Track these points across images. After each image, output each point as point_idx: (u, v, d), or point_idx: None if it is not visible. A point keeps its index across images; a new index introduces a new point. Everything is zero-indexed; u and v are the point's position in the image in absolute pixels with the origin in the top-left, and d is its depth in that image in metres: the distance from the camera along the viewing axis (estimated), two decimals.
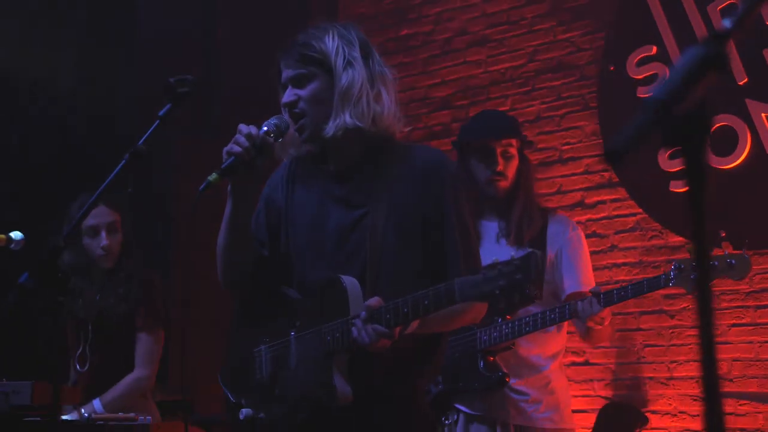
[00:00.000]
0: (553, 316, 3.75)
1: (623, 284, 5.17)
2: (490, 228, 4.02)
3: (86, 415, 3.72)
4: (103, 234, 4.40)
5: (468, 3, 6.23)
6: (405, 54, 6.43)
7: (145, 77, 6.05)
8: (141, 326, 4.43)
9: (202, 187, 2.68)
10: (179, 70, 2.78)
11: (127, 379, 4.35)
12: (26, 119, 5.89)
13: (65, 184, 4.94)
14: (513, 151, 4.00)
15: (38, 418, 3.66)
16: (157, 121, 2.65)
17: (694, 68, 1.24)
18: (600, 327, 3.76)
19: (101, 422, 3.65)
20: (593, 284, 3.93)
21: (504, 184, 3.97)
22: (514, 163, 3.99)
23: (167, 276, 5.96)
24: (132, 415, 3.77)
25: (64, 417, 3.81)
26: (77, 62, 6.03)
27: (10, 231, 4.14)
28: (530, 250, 2.43)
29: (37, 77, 5.78)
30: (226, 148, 2.76)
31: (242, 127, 2.79)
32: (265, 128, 2.81)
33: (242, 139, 2.75)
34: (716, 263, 3.55)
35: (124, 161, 2.59)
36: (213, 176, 2.70)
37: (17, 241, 4.10)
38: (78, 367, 4.38)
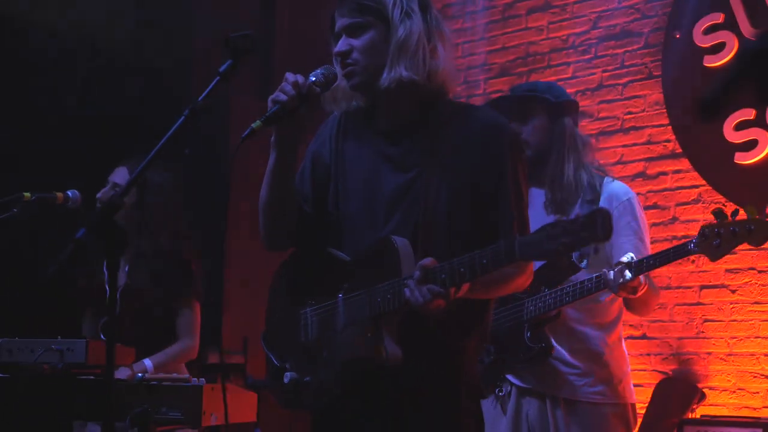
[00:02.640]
0: (590, 285, 3.66)
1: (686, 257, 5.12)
2: (536, 195, 3.94)
3: (140, 375, 3.70)
4: (106, 189, 4.33)
5: None
6: (465, 19, 6.34)
7: (201, 32, 6.01)
8: (177, 300, 4.40)
9: (245, 134, 2.61)
10: (235, 27, 2.71)
11: (175, 347, 4.34)
12: (82, 75, 5.88)
13: (122, 140, 4.93)
14: (533, 114, 3.90)
15: (92, 377, 3.65)
16: (217, 77, 2.58)
17: None
18: (634, 297, 3.67)
19: (155, 382, 3.63)
20: (647, 253, 3.83)
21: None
22: (539, 129, 3.89)
23: (223, 238, 5.94)
24: (186, 376, 3.75)
25: (116, 375, 3.80)
26: (133, 17, 6.01)
27: (67, 189, 4.13)
28: (596, 207, 2.34)
29: (93, 33, 5.76)
30: (271, 97, 2.69)
31: (289, 75, 2.72)
32: (313, 78, 2.74)
33: (288, 88, 2.69)
34: (736, 229, 3.45)
35: (183, 117, 2.53)
36: (256, 123, 2.63)
37: (74, 200, 4.09)
38: (102, 335, 4.35)
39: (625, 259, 3.59)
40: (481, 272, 2.51)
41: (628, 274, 3.53)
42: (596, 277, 3.64)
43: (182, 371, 4.30)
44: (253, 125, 2.61)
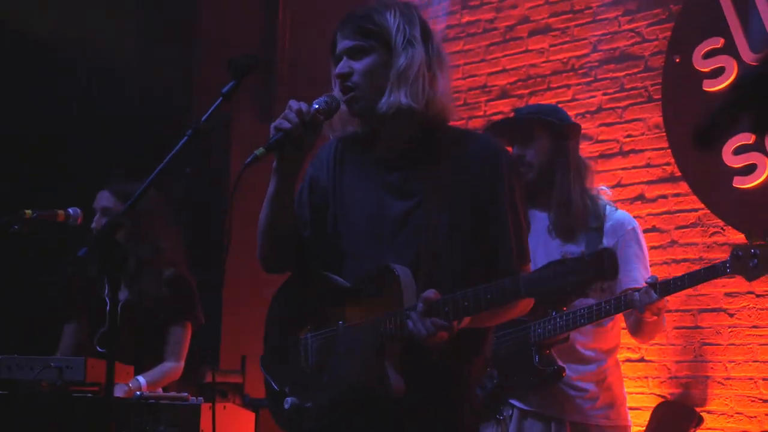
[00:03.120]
0: (608, 307, 3.66)
1: None
2: (539, 218, 3.95)
3: (138, 393, 3.71)
4: (96, 216, 4.37)
5: None
6: (466, 41, 6.37)
7: (205, 55, 6.04)
8: (170, 319, 4.43)
9: (248, 160, 2.62)
10: (239, 50, 2.73)
11: (164, 367, 4.37)
12: (84, 91, 5.89)
13: (124, 160, 4.94)
14: (538, 134, 3.91)
15: (90, 395, 3.66)
16: (220, 98, 2.60)
17: None
18: (655, 318, 3.67)
19: (153, 401, 3.63)
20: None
21: (530, 174, 3.88)
22: (541, 151, 3.90)
23: (222, 257, 5.93)
24: (184, 394, 3.76)
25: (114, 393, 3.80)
26: (136, 36, 6.03)
27: (68, 207, 4.13)
28: (602, 246, 2.35)
29: (96, 49, 5.77)
30: (274, 124, 2.70)
31: (293, 103, 2.73)
32: (316, 106, 2.75)
33: (292, 115, 2.69)
34: (758, 251, 3.45)
35: (185, 138, 2.55)
36: (260, 150, 2.64)
37: (74, 217, 4.10)
38: (98, 348, 4.36)
39: (648, 280, 3.61)
40: (485, 307, 2.53)
41: (654, 294, 3.54)
42: (615, 299, 3.65)
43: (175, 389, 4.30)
44: (256, 152, 2.62)
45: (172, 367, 4.42)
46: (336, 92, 2.82)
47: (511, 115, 4.36)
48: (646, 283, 3.59)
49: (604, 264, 2.31)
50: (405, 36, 2.75)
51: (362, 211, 2.83)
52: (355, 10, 2.82)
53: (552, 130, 3.93)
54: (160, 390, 4.10)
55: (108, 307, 4.32)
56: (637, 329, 3.83)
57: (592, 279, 2.33)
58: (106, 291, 4.37)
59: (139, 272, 4.39)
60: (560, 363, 3.73)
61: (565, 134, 3.95)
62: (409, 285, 2.65)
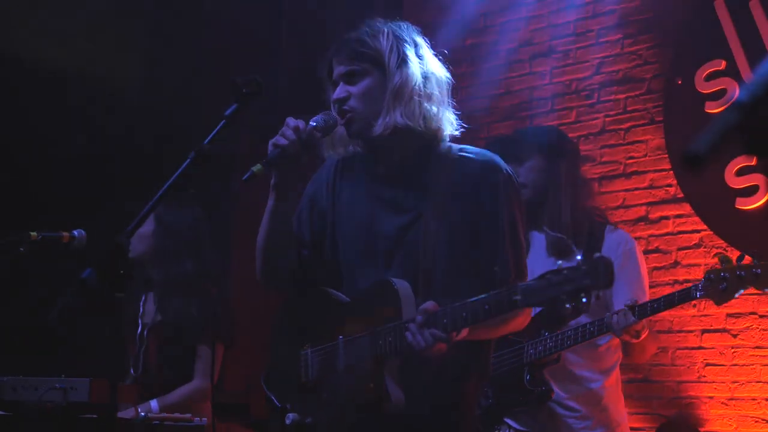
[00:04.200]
0: (592, 329, 3.69)
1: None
2: (537, 239, 3.97)
3: (143, 414, 3.72)
4: (134, 243, 4.38)
5: (534, 14, 6.18)
6: (469, 64, 6.40)
7: (209, 78, 6.07)
8: (202, 340, 4.43)
9: (245, 176, 2.65)
10: (243, 71, 2.76)
11: (187, 388, 4.37)
12: (90, 118, 5.93)
13: (129, 182, 4.97)
14: (532, 158, 3.94)
15: (94, 416, 3.67)
16: (223, 121, 2.64)
17: None
18: (636, 341, 3.69)
19: (157, 422, 3.64)
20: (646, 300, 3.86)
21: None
22: (536, 171, 3.93)
23: (226, 276, 5.97)
24: (188, 416, 3.77)
25: (120, 415, 3.82)
26: (143, 62, 6.07)
27: (74, 229, 4.16)
28: (597, 254, 2.36)
29: (103, 76, 5.82)
30: (272, 140, 2.74)
31: (290, 120, 2.77)
32: (313, 123, 2.79)
33: (289, 132, 2.73)
34: (743, 273, 3.47)
35: (188, 160, 2.58)
36: (257, 167, 2.68)
37: (80, 239, 4.12)
38: (132, 370, 4.39)
39: (628, 303, 3.62)
40: (483, 318, 2.55)
41: (631, 317, 3.56)
42: (598, 320, 3.67)
43: (202, 412, 4.27)
44: (253, 168, 2.66)
45: (195, 388, 4.41)
46: (335, 114, 2.85)
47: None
48: (625, 305, 3.61)
49: (599, 272, 2.33)
50: (398, 56, 2.79)
51: (360, 228, 2.86)
52: (349, 34, 2.86)
53: (544, 150, 3.96)
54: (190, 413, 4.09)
55: (139, 328, 4.34)
56: (626, 350, 3.85)
57: (587, 287, 2.34)
58: (140, 312, 4.41)
59: (169, 291, 4.41)
60: (550, 384, 3.75)
61: (558, 153, 3.98)
62: (408, 298, 2.67)
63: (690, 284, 3.70)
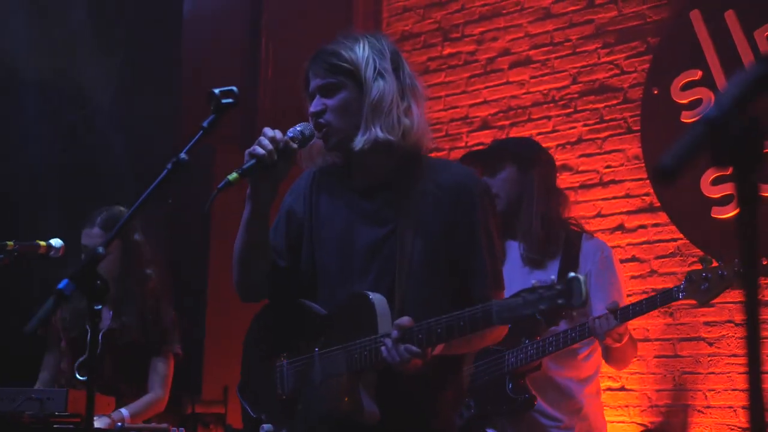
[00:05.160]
0: (574, 334, 3.71)
1: (660, 309, 5.15)
2: (513, 247, 3.99)
3: (119, 425, 3.71)
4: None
5: (512, 23, 6.22)
6: (447, 73, 6.42)
7: (187, 89, 6.07)
8: (153, 350, 4.48)
9: (220, 185, 2.65)
10: (221, 83, 2.76)
11: (148, 398, 4.41)
12: (69, 127, 5.92)
13: (109, 192, 4.97)
14: (504, 168, 3.97)
15: (71, 426, 3.66)
16: (201, 132, 2.63)
17: (749, 87, 1.21)
18: (619, 345, 3.71)
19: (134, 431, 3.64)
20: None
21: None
22: (509, 182, 3.96)
23: (204, 286, 5.96)
24: (165, 425, 3.77)
25: (96, 425, 3.81)
26: (120, 73, 6.06)
27: (51, 239, 4.15)
28: (572, 274, 2.39)
29: (80, 85, 5.81)
30: (248, 150, 2.74)
31: (267, 130, 2.77)
32: (290, 134, 2.79)
33: (266, 142, 2.73)
34: (724, 272, 3.50)
35: (165, 171, 2.57)
36: (232, 175, 2.68)
37: (57, 249, 4.11)
38: (78, 375, 4.38)
39: (609, 306, 3.64)
40: (458, 334, 2.56)
41: (613, 320, 3.58)
42: (580, 325, 3.68)
43: (164, 422, 4.31)
44: (229, 177, 2.66)
45: (156, 398, 4.46)
46: (312, 126, 2.86)
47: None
48: (607, 309, 3.63)
49: (573, 292, 2.35)
50: (375, 69, 2.79)
51: (337, 240, 2.86)
52: (325, 47, 2.86)
53: (517, 161, 3.99)
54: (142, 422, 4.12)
55: (89, 337, 4.36)
56: (607, 357, 3.87)
57: (561, 306, 2.36)
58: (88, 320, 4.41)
59: (123, 302, 4.43)
60: (532, 392, 3.77)
61: (530, 164, 4.01)
62: (384, 312, 2.68)
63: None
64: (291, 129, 2.80)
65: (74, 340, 4.45)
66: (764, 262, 3.67)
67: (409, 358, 2.56)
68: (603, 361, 4.02)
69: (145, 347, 4.46)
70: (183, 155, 2.52)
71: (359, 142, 2.77)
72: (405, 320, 2.60)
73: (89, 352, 2.45)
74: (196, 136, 2.61)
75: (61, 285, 2.34)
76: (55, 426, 3.68)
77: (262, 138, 2.74)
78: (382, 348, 2.60)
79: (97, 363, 4.38)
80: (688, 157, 1.16)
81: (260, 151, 2.72)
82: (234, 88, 2.65)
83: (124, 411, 4.19)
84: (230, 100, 2.64)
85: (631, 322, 3.69)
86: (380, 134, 2.76)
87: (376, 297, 2.70)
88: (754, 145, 1.25)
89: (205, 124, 2.63)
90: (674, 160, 1.15)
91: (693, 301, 3.69)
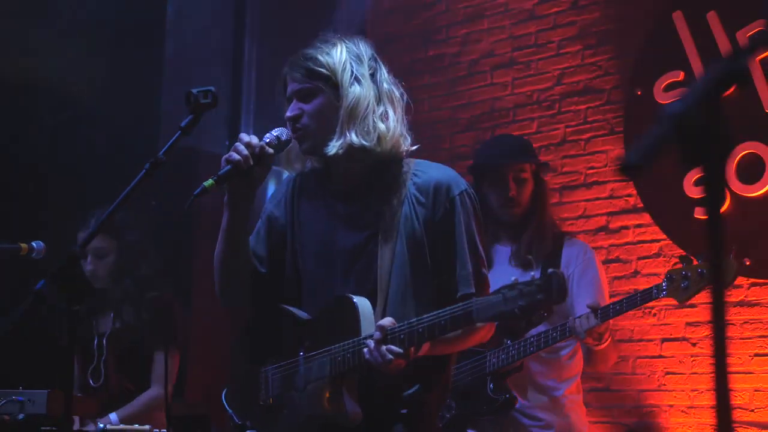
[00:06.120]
0: (555, 334, 3.71)
1: (644, 309, 5.16)
2: (503, 252, 3.99)
3: (101, 425, 3.70)
4: (89, 258, 4.43)
5: (495, 25, 6.22)
6: (431, 75, 6.43)
7: (170, 93, 6.06)
8: (156, 347, 4.47)
9: (196, 191, 2.65)
10: (205, 81, 2.76)
11: (144, 397, 4.40)
12: (52, 128, 5.90)
13: (89, 193, 4.96)
14: (526, 175, 3.96)
15: (54, 428, 3.65)
16: (179, 132, 2.64)
17: (716, 82, 1.22)
18: (600, 347, 3.71)
19: None
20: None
21: (517, 210, 3.93)
22: (528, 188, 3.96)
23: (190, 289, 5.95)
24: (147, 427, 3.76)
25: (80, 428, 3.80)
26: (105, 74, 6.05)
27: (32, 240, 4.14)
28: (551, 270, 2.39)
29: (65, 87, 5.79)
30: (225, 156, 2.75)
31: (243, 135, 2.77)
32: (267, 139, 2.79)
33: (241, 148, 2.74)
34: (704, 270, 3.50)
35: (143, 171, 2.58)
36: (209, 182, 2.68)
37: (38, 250, 4.10)
38: (92, 381, 4.39)
39: (590, 304, 3.64)
40: (439, 333, 2.55)
41: (593, 319, 3.58)
42: (561, 326, 3.69)
43: (157, 420, 4.28)
44: (205, 183, 2.66)
45: (156, 395, 4.43)
46: (289, 131, 2.86)
47: (477, 147, 4.40)
48: (588, 307, 3.64)
49: (552, 287, 2.35)
50: (352, 74, 2.78)
51: (319, 245, 2.86)
52: (303, 51, 2.86)
53: (534, 168, 4.01)
54: (149, 423, 4.09)
55: (95, 341, 4.36)
56: (588, 359, 3.88)
57: (540, 302, 2.37)
58: (93, 323, 4.42)
59: (123, 304, 4.43)
60: (513, 392, 3.77)
61: (541, 171, 4.04)
62: (367, 314, 2.68)
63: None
64: (267, 134, 2.81)
65: (81, 348, 4.45)
66: (747, 263, 3.69)
67: (391, 359, 2.56)
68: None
69: (145, 345, 4.45)
70: (161, 155, 2.52)
71: (333, 147, 2.77)
72: (387, 321, 2.60)
73: (65, 355, 2.46)
74: (174, 137, 2.61)
75: (38, 286, 2.34)
76: (37, 429, 3.66)
77: (237, 144, 2.75)
78: (365, 350, 2.60)
79: (104, 368, 4.38)
80: (653, 152, 1.16)
81: (236, 156, 2.72)
82: (212, 88, 2.66)
83: (112, 416, 4.19)
84: (208, 100, 2.64)
85: (614, 322, 3.70)
86: (355, 139, 2.75)
87: (359, 300, 2.70)
88: (721, 143, 1.25)
89: (182, 124, 2.63)
90: (638, 154, 1.16)
91: (674, 301, 3.70)
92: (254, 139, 2.76)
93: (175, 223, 5.78)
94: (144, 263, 4.56)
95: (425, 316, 2.55)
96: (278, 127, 2.88)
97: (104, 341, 4.40)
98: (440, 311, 2.54)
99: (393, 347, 2.56)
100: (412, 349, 2.59)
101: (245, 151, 2.72)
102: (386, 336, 2.57)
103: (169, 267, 4.92)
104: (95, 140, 5.86)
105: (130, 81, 6.03)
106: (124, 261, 4.49)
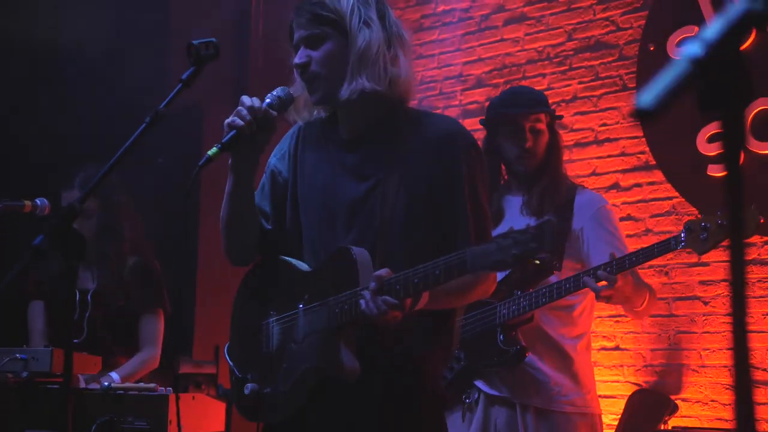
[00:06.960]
0: (568, 285, 3.64)
1: (656, 268, 5.11)
2: (515, 202, 3.93)
3: (105, 384, 3.68)
4: None
5: None
6: (441, 30, 6.34)
7: (177, 54, 5.99)
8: (141, 308, 4.50)
9: (201, 162, 2.59)
10: (211, 34, 2.69)
11: (140, 357, 4.43)
12: (58, 84, 5.85)
13: (94, 151, 4.90)
14: (542, 126, 3.89)
15: (57, 386, 3.63)
16: (180, 85, 2.57)
17: (736, 24, 1.15)
18: (617, 295, 3.61)
19: (121, 391, 3.60)
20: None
21: (533, 161, 3.87)
22: (544, 139, 3.89)
23: (194, 247, 5.92)
24: (152, 385, 3.73)
25: (87, 387, 3.78)
26: (112, 31, 5.98)
27: (36, 197, 4.10)
28: (544, 218, 2.34)
29: (71, 44, 5.73)
30: (227, 121, 2.68)
31: (245, 99, 2.71)
32: (268, 101, 2.72)
33: (244, 112, 2.67)
34: (723, 222, 3.42)
35: (144, 124, 2.52)
36: (213, 150, 2.61)
37: (42, 207, 4.06)
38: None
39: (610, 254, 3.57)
40: (434, 283, 2.49)
41: (607, 272, 3.51)
42: (574, 277, 3.62)
43: (156, 380, 4.30)
44: (209, 153, 2.60)
45: (149, 356, 4.48)
46: (297, 81, 2.80)
47: (490, 100, 4.32)
48: (609, 256, 3.57)
49: (545, 235, 2.30)
50: (360, 18, 2.72)
51: (321, 195, 2.82)
52: None
53: (550, 119, 3.95)
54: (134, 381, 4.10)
55: (77, 297, 4.36)
56: (626, 309, 3.80)
57: (533, 250, 2.31)
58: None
59: (103, 262, 4.43)
60: (523, 343, 3.72)
61: (555, 123, 3.97)
62: (366, 265, 2.62)
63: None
64: (268, 95, 2.74)
65: (58, 303, 4.43)
66: (761, 221, 3.60)
67: (386, 309, 2.50)
68: (595, 319, 3.97)
69: (131, 306, 4.46)
70: (161, 107, 2.46)
71: (345, 92, 2.71)
72: (383, 272, 2.54)
73: (66, 311, 2.41)
74: (175, 89, 2.55)
75: (36, 241, 2.29)
76: (40, 386, 3.64)
77: (240, 108, 2.68)
78: (361, 301, 2.54)
79: (88, 324, 4.38)
80: (669, 97, 1.10)
81: (239, 122, 2.66)
82: (214, 40, 2.59)
83: (114, 375, 4.17)
84: (210, 52, 2.57)
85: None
86: (367, 84, 2.69)
87: (357, 250, 2.65)
88: (740, 84, 1.18)
89: (183, 76, 2.57)
90: (653, 99, 1.09)
91: (686, 259, 3.64)
92: (257, 102, 2.70)
93: (180, 183, 5.73)
94: (127, 225, 4.55)
95: (420, 266, 2.50)
96: (289, 81, 2.82)
97: (88, 298, 4.38)
98: (435, 261, 2.48)
99: (388, 298, 2.50)
100: (409, 300, 2.53)
101: (248, 116, 2.66)
102: (383, 286, 2.51)
103: (172, 227, 4.89)
104: (102, 101, 5.80)
105: (137, 42, 5.97)
106: (105, 220, 4.47)
